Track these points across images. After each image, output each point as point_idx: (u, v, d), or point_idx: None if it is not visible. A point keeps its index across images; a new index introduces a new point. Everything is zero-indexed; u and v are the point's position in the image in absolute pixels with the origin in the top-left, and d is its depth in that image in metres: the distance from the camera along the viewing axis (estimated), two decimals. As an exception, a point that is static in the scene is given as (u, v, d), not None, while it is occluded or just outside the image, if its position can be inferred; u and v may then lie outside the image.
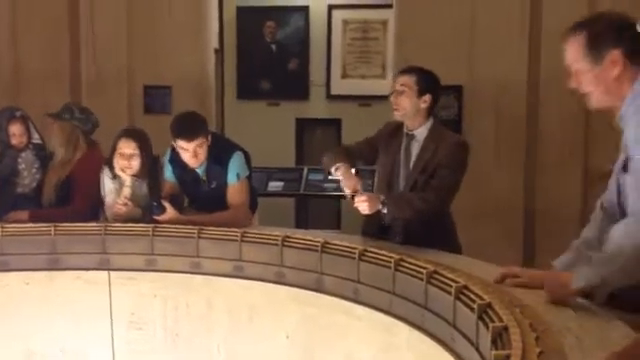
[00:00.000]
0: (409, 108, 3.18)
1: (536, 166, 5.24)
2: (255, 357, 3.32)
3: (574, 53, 2.11)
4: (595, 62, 2.06)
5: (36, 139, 4.03)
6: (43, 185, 3.90)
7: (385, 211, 3.08)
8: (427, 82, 3.21)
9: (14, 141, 3.95)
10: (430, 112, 3.23)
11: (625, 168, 2.08)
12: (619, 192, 2.11)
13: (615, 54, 2.04)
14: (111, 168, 3.73)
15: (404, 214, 3.10)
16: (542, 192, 5.12)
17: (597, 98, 2.11)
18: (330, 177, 3.53)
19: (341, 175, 3.23)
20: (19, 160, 3.97)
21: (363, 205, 3.09)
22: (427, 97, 3.19)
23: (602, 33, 2.07)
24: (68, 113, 3.91)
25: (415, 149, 3.21)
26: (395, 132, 3.32)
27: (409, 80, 3.19)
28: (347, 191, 3.20)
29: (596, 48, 2.06)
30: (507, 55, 5.14)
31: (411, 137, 3.23)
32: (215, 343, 3.42)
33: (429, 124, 3.22)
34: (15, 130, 3.94)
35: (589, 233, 2.24)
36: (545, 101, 5.09)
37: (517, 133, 5.25)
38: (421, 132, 3.21)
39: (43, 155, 4.00)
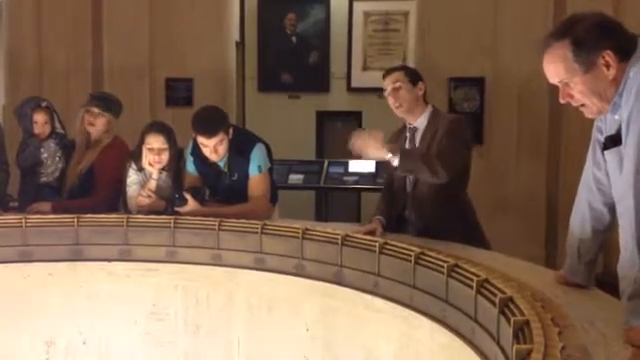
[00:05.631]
0: (410, 99, 3.26)
1: (559, 160, 5.18)
2: (275, 349, 3.33)
3: (559, 64, 1.91)
4: (586, 69, 1.87)
5: (58, 129, 4.12)
6: (65, 174, 3.98)
7: (396, 163, 3.04)
8: (414, 73, 3.36)
9: (37, 130, 4.04)
10: (425, 99, 3.32)
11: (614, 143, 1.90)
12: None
13: (608, 54, 1.84)
14: (137, 161, 3.75)
15: (415, 165, 3.05)
16: (565, 187, 5.06)
17: (596, 108, 1.92)
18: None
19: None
20: (42, 150, 4.04)
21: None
22: (421, 85, 3.31)
23: (588, 35, 1.86)
24: (114, 105, 3.99)
25: (418, 138, 3.28)
26: (399, 133, 3.41)
27: (400, 76, 3.29)
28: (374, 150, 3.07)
29: (585, 53, 1.86)
30: (530, 47, 5.06)
31: (414, 130, 3.31)
32: (235, 335, 3.43)
33: (428, 112, 3.29)
34: (39, 118, 4.03)
35: (582, 235, 2.17)
36: (569, 94, 5.02)
37: (540, 126, 5.20)
38: (422, 122, 3.29)
39: (64, 144, 4.07)
